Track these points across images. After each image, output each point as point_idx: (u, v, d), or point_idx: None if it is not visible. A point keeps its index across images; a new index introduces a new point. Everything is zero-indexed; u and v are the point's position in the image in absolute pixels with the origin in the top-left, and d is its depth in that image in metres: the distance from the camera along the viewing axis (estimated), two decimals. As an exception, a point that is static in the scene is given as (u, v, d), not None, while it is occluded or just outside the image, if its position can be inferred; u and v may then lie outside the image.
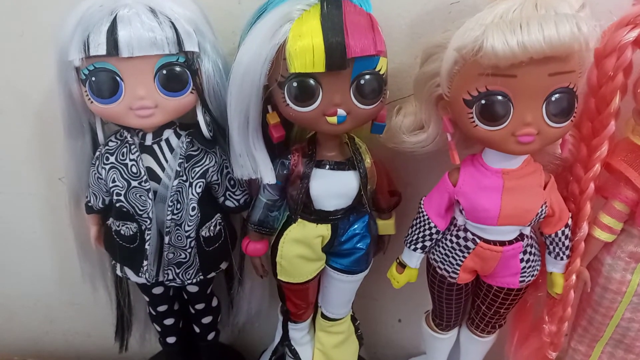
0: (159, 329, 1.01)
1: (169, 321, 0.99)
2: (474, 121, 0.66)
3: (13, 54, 0.92)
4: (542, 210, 0.73)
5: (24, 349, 1.26)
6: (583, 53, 0.63)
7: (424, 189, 0.81)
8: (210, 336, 1.03)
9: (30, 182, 1.06)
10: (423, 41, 0.77)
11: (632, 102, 0.72)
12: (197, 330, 1.02)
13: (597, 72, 0.70)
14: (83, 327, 1.23)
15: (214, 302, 1.00)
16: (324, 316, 0.96)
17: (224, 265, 0.92)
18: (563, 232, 0.77)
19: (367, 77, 0.69)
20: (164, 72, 0.72)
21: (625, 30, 0.66)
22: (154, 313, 0.98)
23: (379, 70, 0.69)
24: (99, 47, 0.68)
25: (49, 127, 0.96)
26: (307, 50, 0.64)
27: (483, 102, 0.65)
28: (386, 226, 0.88)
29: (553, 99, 0.64)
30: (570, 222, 0.77)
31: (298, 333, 0.98)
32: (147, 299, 0.96)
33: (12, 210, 1.10)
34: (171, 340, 1.02)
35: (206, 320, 1.00)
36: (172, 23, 0.70)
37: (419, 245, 0.81)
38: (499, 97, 0.64)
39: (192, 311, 0.99)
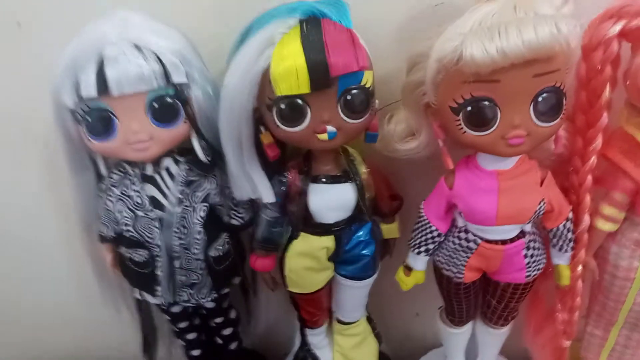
0: (184, 344, 1.04)
1: (191, 336, 1.02)
2: (462, 128, 0.67)
3: (14, 85, 0.94)
4: (541, 207, 0.73)
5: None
6: (567, 51, 0.62)
7: (426, 190, 0.81)
8: (233, 346, 1.05)
9: (47, 205, 1.08)
10: (408, 47, 0.77)
11: (624, 92, 0.71)
12: (220, 341, 1.04)
13: (585, 66, 0.70)
14: (114, 343, 1.26)
15: (232, 314, 1.02)
16: (339, 320, 0.98)
17: (236, 281, 0.94)
18: (565, 226, 0.77)
19: (354, 92, 0.69)
20: (155, 105, 0.73)
21: (610, 24, 0.65)
22: (176, 330, 1.00)
23: (365, 84, 0.70)
24: (89, 88, 0.69)
25: (59, 155, 0.98)
26: (291, 72, 0.65)
27: (469, 109, 0.65)
28: (390, 230, 0.89)
29: (540, 99, 0.64)
30: (571, 215, 0.77)
31: (316, 338, 1.00)
32: (168, 318, 0.98)
33: (32, 232, 1.13)
34: (196, 353, 1.05)
35: (226, 332, 1.03)
36: (158, 57, 0.71)
37: (423, 248, 0.81)
38: (485, 103, 0.64)
39: (212, 325, 1.01)
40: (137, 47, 0.70)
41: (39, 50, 0.88)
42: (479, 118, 0.65)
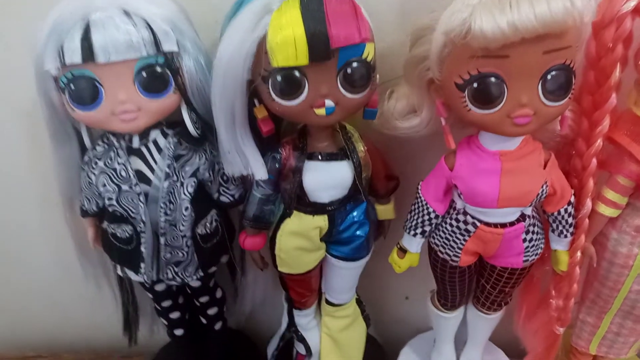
0: (166, 323, 1.01)
1: (174, 315, 0.99)
2: (467, 105, 0.64)
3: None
4: (543, 190, 0.71)
5: (37, 344, 1.27)
6: (579, 27, 0.59)
7: (423, 171, 0.79)
8: (218, 326, 1.03)
9: (27, 181, 1.05)
10: (412, 21, 0.73)
11: (634, 73, 0.69)
12: (204, 321, 1.02)
13: (595, 44, 0.67)
14: (94, 320, 1.24)
15: (218, 294, 1.00)
16: (328, 302, 0.95)
17: (224, 259, 0.91)
18: (566, 210, 0.75)
19: (354, 65, 0.66)
20: (144, 74, 0.69)
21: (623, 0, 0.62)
22: (159, 308, 0.98)
23: (366, 58, 0.66)
24: (74, 54, 0.66)
25: (41, 127, 0.94)
26: (289, 42, 0.62)
27: (475, 85, 0.62)
28: (385, 211, 0.87)
29: (549, 77, 0.61)
30: (573, 199, 0.75)
31: (304, 319, 0.98)
32: (151, 296, 0.95)
33: (12, 208, 1.10)
34: (179, 332, 1.03)
35: (212, 311, 1.00)
36: (148, 24, 0.68)
37: (419, 230, 0.79)
38: (492, 79, 0.61)
39: (197, 304, 0.99)
40: (126, 13, 0.67)
41: (21, 17, 0.84)
42: (486, 95, 0.62)
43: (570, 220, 0.76)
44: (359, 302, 1.00)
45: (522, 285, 0.89)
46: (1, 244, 1.16)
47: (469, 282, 0.87)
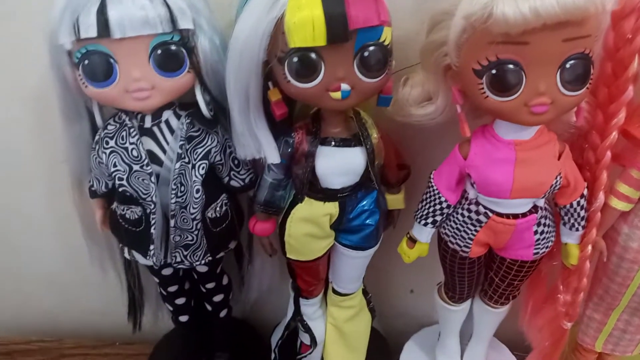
0: (171, 308, 1.01)
1: (180, 301, 0.99)
2: (484, 92, 0.63)
3: (5, 35, 0.90)
4: (557, 181, 0.71)
5: (41, 329, 1.27)
6: (599, 16, 0.59)
7: (434, 161, 0.79)
8: (223, 313, 1.03)
9: (33, 166, 1.05)
10: (429, 7, 0.73)
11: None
12: (209, 308, 1.02)
13: (614, 35, 0.66)
14: (98, 306, 1.23)
15: (225, 280, 0.99)
16: (335, 291, 0.95)
17: (232, 245, 0.91)
18: (578, 203, 0.75)
19: (371, 48, 0.66)
20: (159, 52, 0.69)
21: (645, -11, 0.62)
22: (164, 293, 0.97)
23: (384, 41, 0.66)
24: (89, 29, 0.65)
25: (49, 112, 0.94)
26: (307, 23, 0.61)
27: (494, 72, 0.62)
28: (395, 201, 0.86)
29: (567, 66, 0.61)
30: (585, 192, 0.75)
31: (310, 308, 0.97)
32: (157, 280, 0.95)
33: (17, 193, 1.09)
34: (184, 318, 1.02)
35: (217, 298, 1.00)
36: (165, 0, 0.67)
37: (430, 220, 0.79)
38: (511, 66, 0.61)
39: (203, 290, 0.98)
40: None
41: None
42: (504, 82, 0.62)
43: (582, 213, 0.76)
44: (365, 293, 1.00)
45: (529, 281, 0.89)
46: (6, 228, 1.16)
47: (478, 274, 0.86)
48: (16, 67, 0.92)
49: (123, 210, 0.82)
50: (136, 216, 0.81)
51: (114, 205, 0.84)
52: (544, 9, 0.55)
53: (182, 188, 0.78)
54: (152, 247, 0.81)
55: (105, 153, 0.77)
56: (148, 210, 0.79)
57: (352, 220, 0.82)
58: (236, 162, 0.82)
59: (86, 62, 0.68)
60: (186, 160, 0.77)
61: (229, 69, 0.69)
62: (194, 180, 0.78)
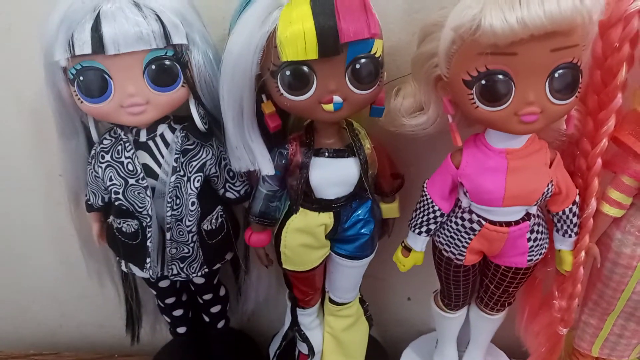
0: (169, 320, 1.01)
1: (177, 312, 0.99)
2: (474, 102, 0.64)
3: (2, 48, 0.90)
4: (548, 189, 0.71)
5: (39, 342, 1.27)
6: (587, 26, 0.60)
7: (427, 170, 0.79)
8: (220, 324, 1.03)
9: (30, 178, 1.05)
10: (420, 18, 0.74)
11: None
12: (207, 319, 1.02)
13: (602, 44, 0.67)
14: (96, 319, 1.24)
15: (222, 292, 1.00)
16: (331, 301, 0.95)
17: (228, 256, 0.91)
18: (571, 210, 0.76)
19: (363, 61, 0.66)
20: (153, 67, 0.70)
21: (631, -1, 0.63)
22: (162, 305, 0.98)
23: (375, 53, 0.67)
24: (84, 45, 0.66)
25: (46, 124, 0.95)
26: (298, 37, 0.62)
27: (483, 82, 0.62)
28: (390, 209, 0.87)
29: (556, 75, 0.62)
30: (577, 199, 0.76)
31: (307, 318, 0.98)
32: (154, 293, 0.95)
33: (14, 205, 1.10)
34: (182, 330, 1.03)
35: (215, 309, 1.00)
36: (158, 16, 0.68)
37: (424, 229, 0.79)
38: (500, 77, 0.62)
39: (201, 301, 0.99)
40: (136, 5, 0.67)
41: (30, 10, 0.84)
42: (493, 92, 0.63)
43: (574, 220, 0.76)
44: (362, 301, 1.00)
45: (524, 287, 0.89)
46: (4, 241, 1.16)
47: (473, 281, 0.87)
48: (14, 80, 0.93)
49: (119, 223, 0.82)
50: (132, 229, 0.81)
51: (110, 218, 0.84)
52: (530, 20, 0.56)
53: (178, 201, 0.78)
54: (148, 260, 0.81)
55: (101, 167, 0.78)
56: (144, 224, 0.80)
57: (347, 229, 0.83)
58: (231, 174, 0.83)
59: (81, 78, 0.69)
60: (181, 173, 0.78)
61: (222, 83, 0.70)
62: (190, 193, 0.78)
